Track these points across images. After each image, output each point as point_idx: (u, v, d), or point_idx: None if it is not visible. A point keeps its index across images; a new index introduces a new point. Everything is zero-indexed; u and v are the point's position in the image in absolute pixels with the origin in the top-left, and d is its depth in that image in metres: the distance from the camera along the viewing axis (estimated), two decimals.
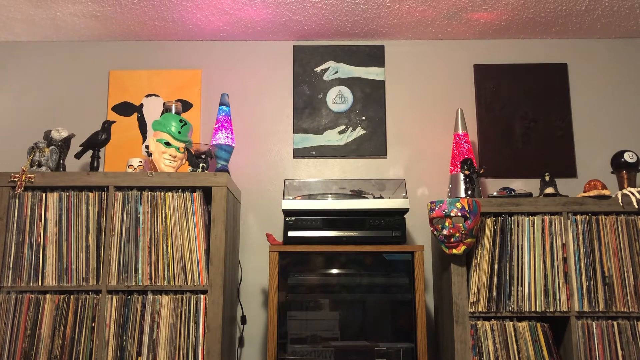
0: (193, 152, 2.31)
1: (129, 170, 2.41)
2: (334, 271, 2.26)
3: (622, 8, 2.49)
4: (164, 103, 2.45)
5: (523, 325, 2.09)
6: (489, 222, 2.16)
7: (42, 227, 2.16)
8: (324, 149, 2.70)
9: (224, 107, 2.53)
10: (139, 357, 2.06)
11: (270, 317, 2.13)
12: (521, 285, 2.11)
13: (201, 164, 2.28)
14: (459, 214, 2.07)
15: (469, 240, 2.08)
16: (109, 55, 2.81)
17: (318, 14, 2.56)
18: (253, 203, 2.65)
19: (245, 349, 2.52)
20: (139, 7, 2.49)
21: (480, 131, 2.70)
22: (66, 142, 2.40)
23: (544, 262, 2.12)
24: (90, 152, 2.43)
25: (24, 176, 2.19)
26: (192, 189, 2.18)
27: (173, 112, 2.40)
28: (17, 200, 2.18)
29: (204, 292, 2.12)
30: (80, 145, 2.43)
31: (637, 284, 2.10)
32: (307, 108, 2.74)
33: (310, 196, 2.37)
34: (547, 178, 2.32)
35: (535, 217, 2.16)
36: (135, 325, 2.09)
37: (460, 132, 2.55)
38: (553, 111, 2.71)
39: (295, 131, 2.71)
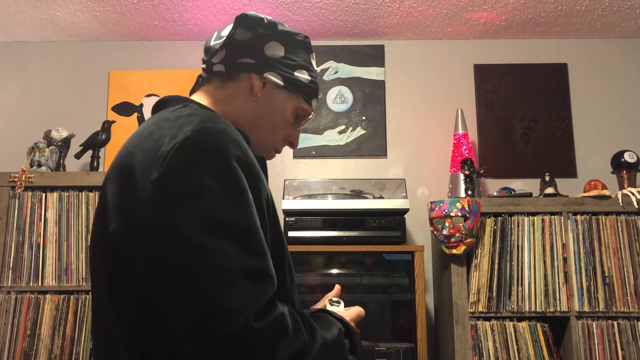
0: None
1: None
2: (334, 271, 2.26)
3: (622, 8, 2.49)
4: None
5: (523, 325, 2.09)
6: (489, 222, 2.15)
7: (42, 227, 2.16)
8: (324, 149, 2.70)
9: None
10: None
11: None
12: (521, 285, 2.11)
13: None
14: (459, 214, 2.07)
15: (469, 240, 2.08)
16: (109, 55, 2.81)
17: (318, 14, 2.56)
18: None
19: None
20: (139, 7, 2.49)
21: (480, 131, 2.70)
22: (66, 142, 2.40)
23: (544, 262, 2.12)
24: (90, 152, 2.43)
25: (24, 176, 2.19)
26: None
27: None
28: (17, 200, 2.18)
29: None
30: (80, 145, 2.43)
31: (637, 284, 2.10)
32: None
33: (310, 196, 2.37)
34: (547, 178, 2.32)
35: (535, 217, 2.16)
36: None
37: (460, 132, 2.55)
38: (553, 111, 2.71)
39: None
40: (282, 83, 1.00)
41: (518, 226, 2.15)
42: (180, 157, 0.77)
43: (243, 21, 0.99)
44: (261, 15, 1.00)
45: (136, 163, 0.80)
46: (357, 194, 2.41)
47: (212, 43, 1.03)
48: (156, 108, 0.97)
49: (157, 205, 0.76)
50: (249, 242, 0.76)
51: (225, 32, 1.02)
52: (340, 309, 1.01)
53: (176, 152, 0.77)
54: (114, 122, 2.49)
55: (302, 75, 1.03)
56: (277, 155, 1.11)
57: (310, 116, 1.08)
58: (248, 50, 1.00)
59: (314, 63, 1.08)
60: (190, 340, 0.71)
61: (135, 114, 2.74)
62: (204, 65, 1.04)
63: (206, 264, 0.72)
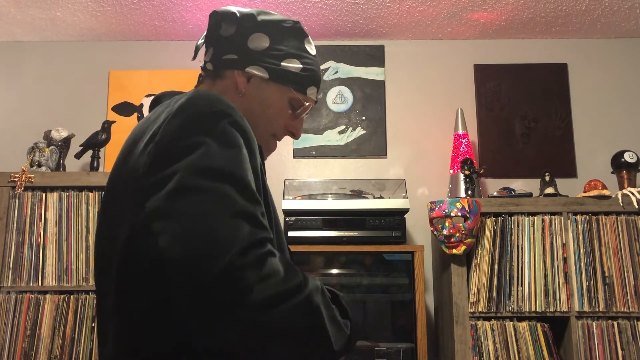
0: None
1: None
2: (334, 271, 2.26)
3: (622, 8, 2.49)
4: None
5: (523, 325, 2.09)
6: (489, 222, 2.15)
7: (42, 227, 2.16)
8: (324, 149, 2.70)
9: None
10: None
11: None
12: (521, 285, 2.11)
13: None
14: (459, 214, 2.07)
15: (469, 240, 2.08)
16: (109, 55, 2.81)
17: (318, 14, 2.56)
18: None
19: None
20: (139, 7, 2.49)
21: (480, 131, 2.70)
22: (66, 142, 2.40)
23: (544, 262, 2.12)
24: (90, 152, 2.43)
25: (24, 176, 2.19)
26: None
27: None
28: (17, 200, 2.18)
29: None
30: (80, 145, 2.43)
31: (637, 284, 2.10)
32: None
33: (310, 196, 2.37)
34: (547, 178, 2.32)
35: (535, 217, 2.16)
36: None
37: (460, 132, 2.55)
38: (553, 111, 2.71)
39: None
40: (267, 76, 0.98)
41: (518, 226, 2.15)
42: (175, 123, 0.76)
43: (218, 18, 0.98)
44: (233, 10, 0.98)
45: (136, 154, 0.80)
46: (357, 194, 2.41)
47: (199, 42, 1.04)
48: (152, 106, 0.97)
49: (151, 168, 0.74)
50: (245, 190, 0.73)
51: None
52: None
53: (171, 119, 0.77)
54: (114, 122, 2.49)
55: (291, 65, 0.99)
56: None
57: (307, 105, 1.03)
58: (231, 46, 0.99)
59: (308, 48, 1.03)
60: (180, 282, 0.66)
61: (135, 114, 2.74)
62: (201, 64, 1.05)
63: (200, 202, 0.69)
